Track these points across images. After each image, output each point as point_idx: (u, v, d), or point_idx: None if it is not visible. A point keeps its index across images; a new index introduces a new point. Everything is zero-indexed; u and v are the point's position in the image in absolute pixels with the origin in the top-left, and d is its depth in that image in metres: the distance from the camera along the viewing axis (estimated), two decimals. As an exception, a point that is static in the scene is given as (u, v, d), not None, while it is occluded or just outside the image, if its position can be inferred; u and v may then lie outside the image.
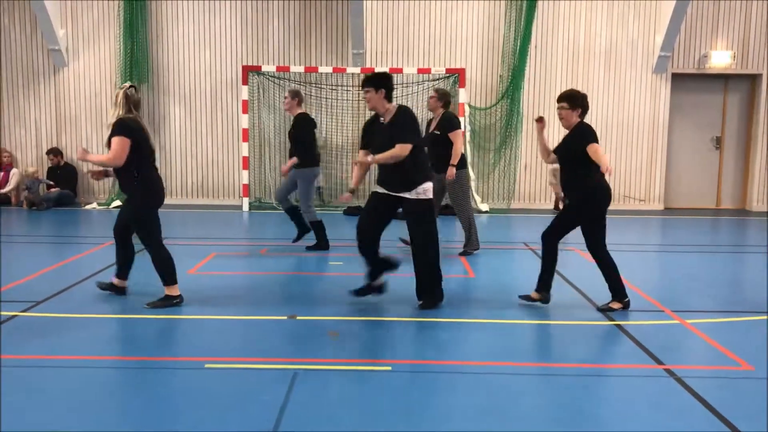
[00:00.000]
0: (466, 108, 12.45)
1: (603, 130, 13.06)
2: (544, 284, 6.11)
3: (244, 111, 12.56)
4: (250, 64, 12.83)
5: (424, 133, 8.49)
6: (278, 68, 12.61)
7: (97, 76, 13.09)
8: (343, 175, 12.85)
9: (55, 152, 12.83)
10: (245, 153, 12.66)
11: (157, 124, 13.20)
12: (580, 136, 5.82)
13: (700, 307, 6.26)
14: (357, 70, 12.44)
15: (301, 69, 12.54)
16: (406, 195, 5.81)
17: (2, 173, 12.90)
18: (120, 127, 5.79)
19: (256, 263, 8.12)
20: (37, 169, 12.91)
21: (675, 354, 4.95)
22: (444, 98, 8.35)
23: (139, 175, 5.87)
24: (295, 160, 8.30)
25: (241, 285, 6.89)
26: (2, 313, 5.68)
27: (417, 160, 5.82)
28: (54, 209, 12.25)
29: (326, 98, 12.74)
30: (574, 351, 5.03)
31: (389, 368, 4.54)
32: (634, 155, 13.17)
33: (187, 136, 13.26)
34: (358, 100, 12.56)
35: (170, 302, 6.01)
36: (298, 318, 5.69)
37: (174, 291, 6.04)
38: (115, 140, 5.75)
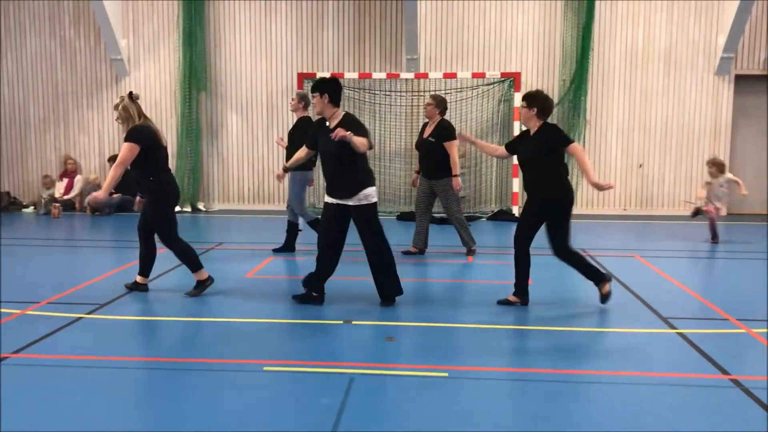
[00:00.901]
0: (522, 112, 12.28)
1: (662, 133, 12.79)
2: (522, 288, 6.20)
3: (299, 117, 12.69)
4: (305, 71, 12.97)
5: (418, 139, 8.57)
6: (332, 75, 12.70)
7: (158, 85, 13.43)
8: (400, 180, 12.86)
9: (116, 159, 13.18)
10: (300, 159, 12.78)
11: (214, 131, 13.46)
12: (549, 139, 5.97)
13: (766, 316, 6.03)
14: (411, 75, 12.45)
15: (355, 75, 12.62)
16: (349, 202, 5.96)
17: (67, 180, 13.34)
18: (131, 134, 6.17)
19: (311, 267, 8.16)
20: (98, 176, 13.30)
21: (741, 364, 4.79)
22: (441, 105, 8.39)
23: (154, 178, 6.24)
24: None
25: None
26: (68, 315, 5.86)
27: (358, 166, 5.95)
28: (115, 214, 12.60)
29: (380, 104, 12.78)
30: (635, 359, 4.90)
31: (446, 374, 4.51)
32: (695, 160, 12.82)
33: (244, 143, 13.48)
34: (412, 105, 12.58)
35: (203, 286, 6.48)
36: (353, 322, 5.71)
37: (202, 275, 6.46)
38: (124, 146, 6.17)
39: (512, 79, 12.38)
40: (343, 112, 6.12)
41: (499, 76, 12.45)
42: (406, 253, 8.62)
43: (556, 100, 12.69)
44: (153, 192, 6.34)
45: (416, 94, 12.49)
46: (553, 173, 5.98)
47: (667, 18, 12.55)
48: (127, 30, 13.30)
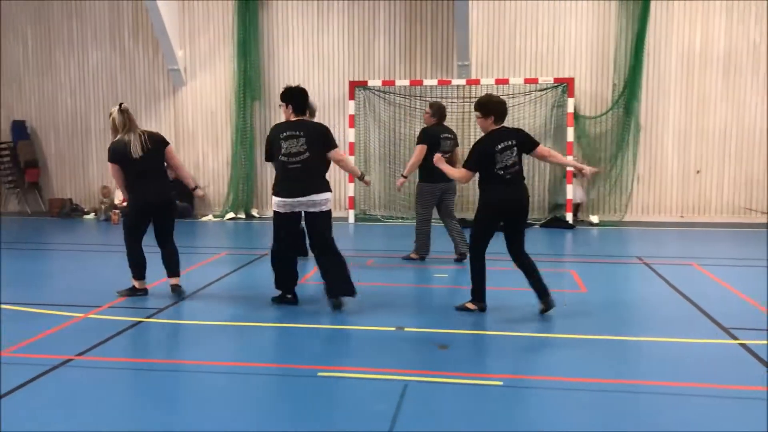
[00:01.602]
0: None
1: (721, 139, 12.46)
2: (540, 292, 6.11)
3: (351, 125, 12.80)
4: (356, 79, 13.07)
5: None
6: (384, 82, 12.78)
7: (213, 94, 13.72)
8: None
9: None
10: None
11: (268, 139, 13.65)
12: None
13: (836, 328, 5.82)
14: (462, 82, 12.43)
15: (407, 82, 12.66)
16: None
17: (126, 187, 13.70)
18: (108, 154, 6.55)
19: (363, 274, 8.20)
20: (157, 183, 13.64)
21: (809, 377, 4.63)
22: (438, 113, 8.49)
23: (128, 188, 6.60)
24: None
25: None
26: (129, 318, 6.03)
27: (275, 176, 6.34)
28: (173, 221, 12.86)
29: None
30: (695, 370, 4.79)
31: (500, 383, 4.48)
32: (756, 165, 12.44)
33: (296, 150, 13.62)
34: (463, 112, 12.54)
35: (133, 293, 6.81)
36: (405, 329, 5.72)
37: (138, 285, 6.83)
38: (109, 167, 6.59)
39: (566, 85, 12.24)
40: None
41: (552, 82, 12.33)
42: (457, 260, 8.60)
43: (609, 105, 12.51)
44: (128, 200, 6.72)
45: (468, 100, 12.44)
46: (480, 177, 6.08)
47: (726, 20, 12.22)
48: (184, 41, 13.63)
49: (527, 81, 12.33)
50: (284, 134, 6.21)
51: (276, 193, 6.25)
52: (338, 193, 13.46)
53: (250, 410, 4.11)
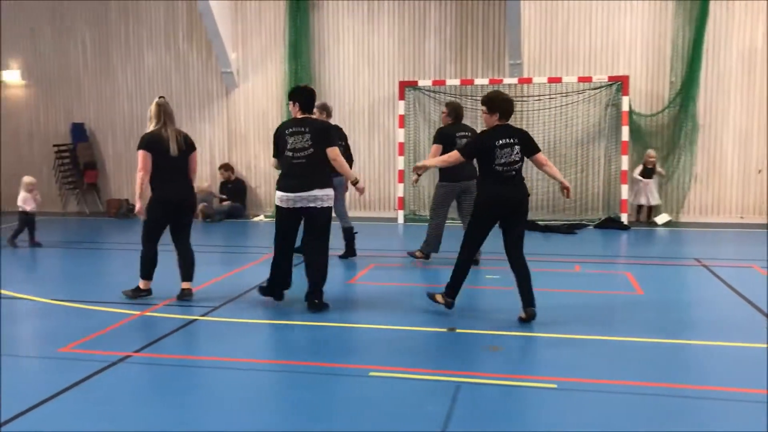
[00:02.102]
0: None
1: (783, 138, 12.05)
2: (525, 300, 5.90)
3: (400, 125, 12.78)
4: (406, 79, 13.04)
5: None
6: (434, 82, 12.73)
7: (264, 96, 13.87)
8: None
9: (226, 167, 13.71)
10: (401, 167, 12.86)
11: (318, 139, 13.72)
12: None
13: None
14: (514, 80, 12.28)
15: (457, 82, 12.58)
16: None
17: (180, 187, 13.95)
18: (140, 142, 6.53)
19: (413, 275, 8.20)
20: (210, 184, 13.84)
21: None
22: (453, 113, 8.48)
23: (152, 183, 6.54)
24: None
25: (399, 296, 6.98)
26: (183, 317, 6.12)
27: (280, 171, 6.47)
28: (226, 221, 13.07)
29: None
30: (757, 375, 4.62)
31: (555, 386, 4.40)
32: (822, 165, 11.98)
33: (346, 150, 13.67)
34: (515, 111, 12.38)
35: (138, 293, 6.77)
36: (457, 330, 5.68)
37: (142, 285, 6.80)
38: (138, 154, 6.50)
39: (620, 83, 11.98)
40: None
41: (607, 80, 12.09)
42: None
43: (665, 104, 12.20)
44: (151, 196, 6.67)
45: (520, 99, 12.30)
46: (480, 173, 6.04)
47: (790, 17, 11.79)
48: (237, 43, 13.81)
49: (581, 79, 12.11)
50: (290, 130, 6.32)
51: (279, 187, 6.34)
52: (388, 194, 13.49)
53: (301, 409, 4.13)
